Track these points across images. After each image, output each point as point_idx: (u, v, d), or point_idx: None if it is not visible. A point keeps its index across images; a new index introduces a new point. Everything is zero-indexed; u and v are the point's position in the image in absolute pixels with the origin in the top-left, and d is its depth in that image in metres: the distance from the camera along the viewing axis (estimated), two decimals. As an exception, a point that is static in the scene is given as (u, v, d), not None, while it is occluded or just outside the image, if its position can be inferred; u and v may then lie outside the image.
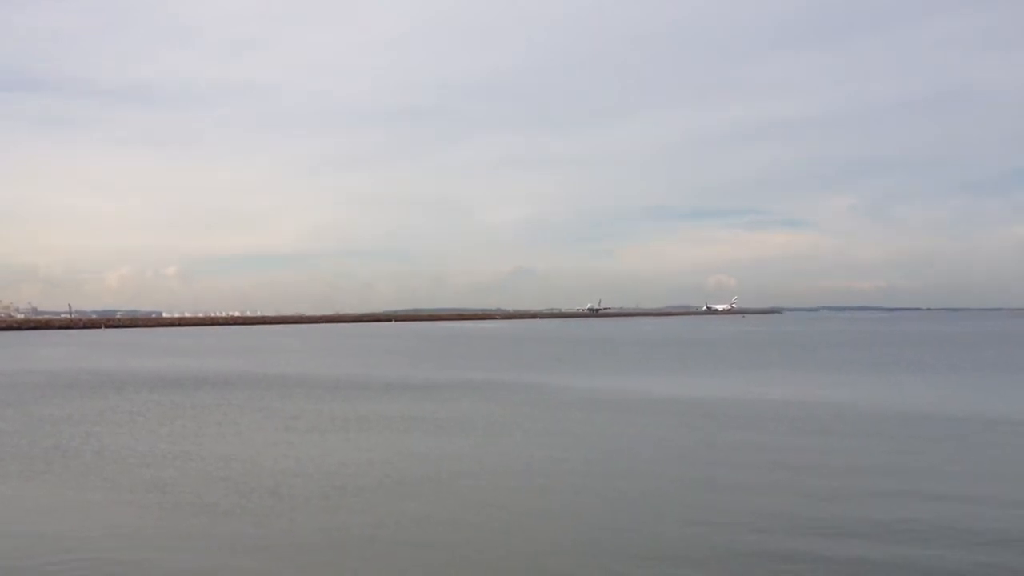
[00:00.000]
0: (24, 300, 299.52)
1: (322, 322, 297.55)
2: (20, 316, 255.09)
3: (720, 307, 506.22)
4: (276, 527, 21.27)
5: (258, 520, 21.93)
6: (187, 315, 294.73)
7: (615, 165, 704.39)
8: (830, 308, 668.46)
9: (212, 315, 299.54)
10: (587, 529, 21.04)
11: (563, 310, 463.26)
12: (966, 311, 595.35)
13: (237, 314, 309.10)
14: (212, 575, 18.15)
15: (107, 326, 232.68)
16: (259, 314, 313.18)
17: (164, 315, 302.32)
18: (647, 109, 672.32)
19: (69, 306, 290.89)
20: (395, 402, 48.35)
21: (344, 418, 41.33)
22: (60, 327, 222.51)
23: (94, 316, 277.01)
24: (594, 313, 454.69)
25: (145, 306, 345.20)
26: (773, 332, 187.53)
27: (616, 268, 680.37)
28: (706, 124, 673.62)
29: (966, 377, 64.71)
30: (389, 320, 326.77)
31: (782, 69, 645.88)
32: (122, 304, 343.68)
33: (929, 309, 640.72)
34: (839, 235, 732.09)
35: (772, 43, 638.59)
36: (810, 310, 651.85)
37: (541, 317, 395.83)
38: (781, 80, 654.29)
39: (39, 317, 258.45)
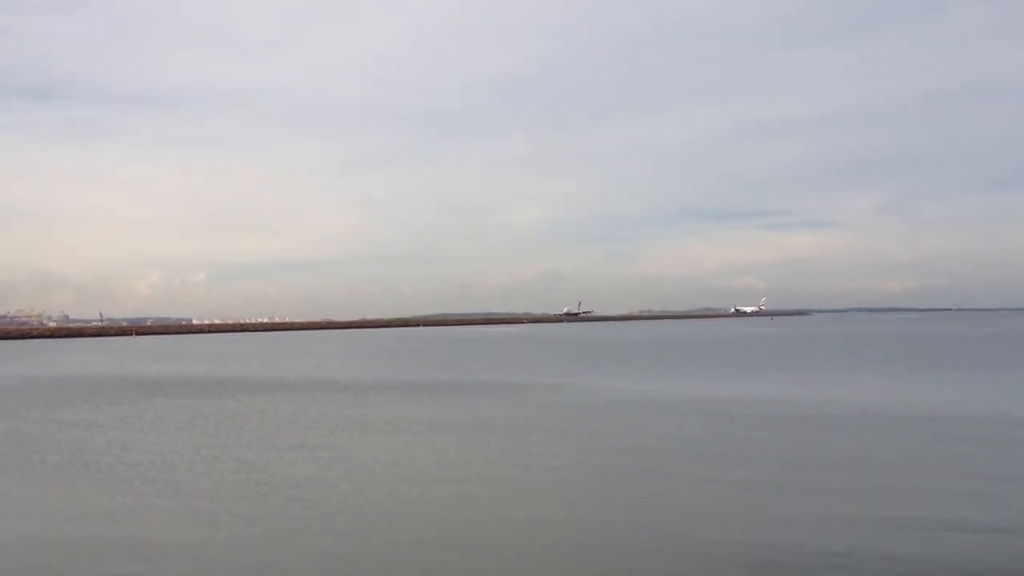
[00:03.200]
0: (56, 308, 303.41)
1: (350, 327, 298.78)
2: (52, 324, 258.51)
3: (748, 309, 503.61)
4: (291, 528, 21.52)
5: (274, 523, 22.19)
6: (216, 321, 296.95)
7: (639, 165, 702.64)
8: (859, 309, 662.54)
9: (241, 321, 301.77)
10: (616, 529, 21.09)
11: (537, 314, 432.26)
12: (999, 311, 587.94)
13: (266, 320, 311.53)
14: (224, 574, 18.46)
15: (138, 333, 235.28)
16: (287, 320, 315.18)
17: (194, 322, 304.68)
18: (671, 108, 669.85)
19: (100, 314, 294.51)
20: (417, 405, 48.56)
21: (364, 421, 41.64)
22: (92, 335, 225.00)
23: (125, 323, 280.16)
24: (573, 317, 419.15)
25: (175, 313, 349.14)
26: (786, 335, 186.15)
27: (643, 271, 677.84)
28: (730, 122, 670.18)
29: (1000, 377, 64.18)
30: (417, 325, 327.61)
31: (805, 65, 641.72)
32: (152, 311, 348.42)
33: (960, 309, 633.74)
34: (865, 234, 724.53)
35: (794, 39, 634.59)
36: (839, 311, 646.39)
37: (566, 320, 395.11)
38: (803, 77, 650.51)
39: (71, 325, 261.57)
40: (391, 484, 26.64)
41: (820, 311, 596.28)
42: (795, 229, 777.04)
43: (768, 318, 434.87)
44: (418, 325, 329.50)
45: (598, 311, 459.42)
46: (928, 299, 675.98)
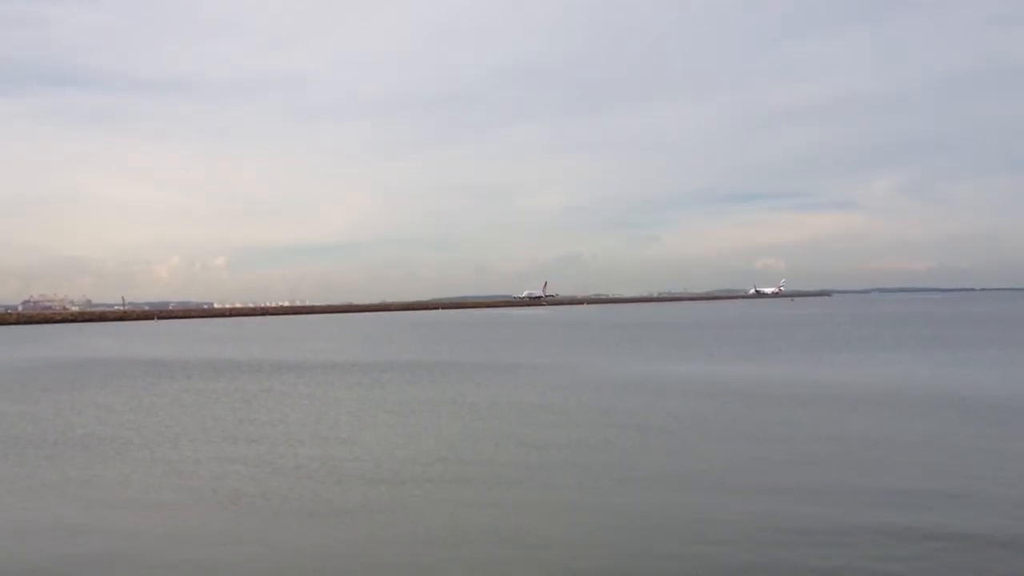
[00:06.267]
0: (78, 293, 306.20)
1: (369, 311, 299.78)
2: (75, 308, 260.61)
3: (768, 290, 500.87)
4: (295, 508, 21.59)
5: (279, 504, 22.27)
6: (238, 305, 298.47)
7: (659, 148, 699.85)
8: (881, 290, 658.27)
9: (262, 305, 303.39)
10: (621, 510, 21.08)
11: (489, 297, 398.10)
12: (1021, 291, 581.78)
13: (286, 303, 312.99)
14: (221, 556, 18.48)
15: (160, 317, 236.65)
16: (307, 303, 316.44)
17: (215, 306, 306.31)
18: (690, 92, 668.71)
19: (122, 298, 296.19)
20: (431, 387, 48.50)
21: (378, 402, 41.77)
22: (114, 319, 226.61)
23: (147, 308, 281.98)
24: (536, 301, 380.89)
25: (196, 297, 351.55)
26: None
27: (663, 252, 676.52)
28: (749, 105, 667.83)
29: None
30: (436, 308, 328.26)
31: (826, 48, 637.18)
32: (174, 295, 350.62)
33: (982, 289, 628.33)
34: (887, 215, 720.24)
35: (815, 22, 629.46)
36: (861, 292, 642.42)
37: (589, 303, 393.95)
38: (824, 59, 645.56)
39: (93, 309, 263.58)
40: (399, 465, 26.63)
41: (841, 292, 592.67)
42: (816, 210, 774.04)
43: (788, 299, 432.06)
44: (437, 308, 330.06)
45: (617, 293, 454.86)
46: (950, 279, 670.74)
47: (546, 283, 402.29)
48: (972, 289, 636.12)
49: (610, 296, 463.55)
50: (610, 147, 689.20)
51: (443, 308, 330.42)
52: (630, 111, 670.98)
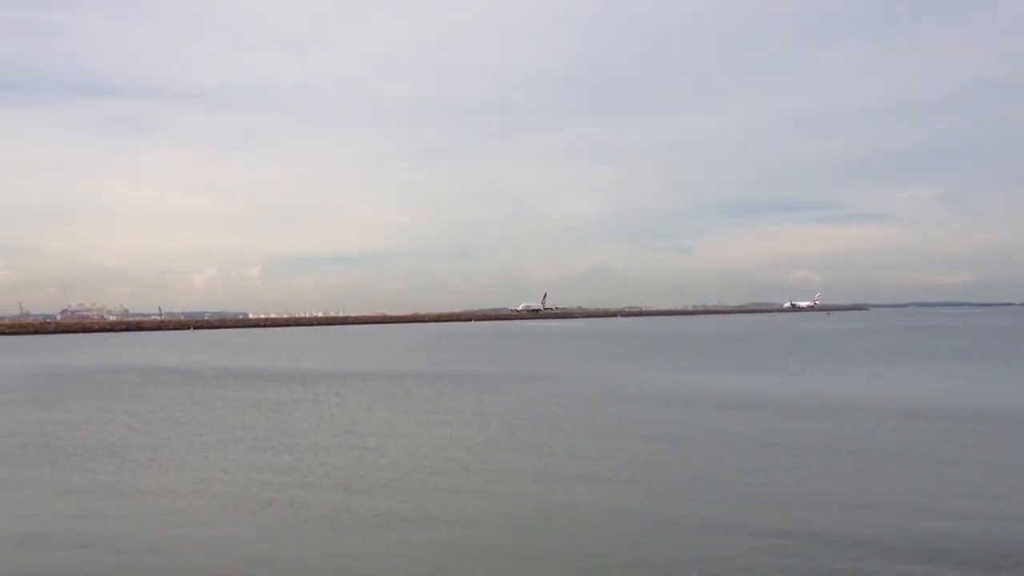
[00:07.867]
0: (116, 302, 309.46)
1: (403, 322, 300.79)
2: (112, 318, 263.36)
3: (804, 304, 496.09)
4: (319, 517, 21.70)
5: (303, 513, 22.42)
6: (272, 315, 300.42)
7: (690, 156, 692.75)
8: (918, 304, 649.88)
9: (296, 315, 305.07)
10: (636, 518, 21.03)
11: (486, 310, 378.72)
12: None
13: (320, 314, 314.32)
14: (248, 564, 18.61)
15: (196, 327, 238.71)
16: (340, 314, 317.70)
17: (250, 316, 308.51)
18: (725, 99, 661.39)
19: (159, 308, 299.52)
20: (460, 398, 48.62)
21: (405, 412, 41.91)
22: (151, 328, 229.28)
23: (183, 317, 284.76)
24: (534, 314, 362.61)
25: (231, 307, 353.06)
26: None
27: (697, 264, 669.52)
28: (784, 114, 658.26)
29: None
30: (469, 320, 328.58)
31: (859, 54, 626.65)
32: (209, 305, 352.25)
33: (1022, 304, 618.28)
34: (923, 227, 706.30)
35: (847, 27, 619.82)
36: (898, 306, 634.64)
37: (623, 315, 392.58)
38: (858, 65, 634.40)
39: (131, 319, 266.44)
40: (425, 476, 26.67)
41: (877, 306, 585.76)
42: (851, 222, 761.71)
43: (824, 313, 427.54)
44: (470, 320, 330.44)
45: (650, 305, 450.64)
46: (988, 293, 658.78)
47: (545, 295, 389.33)
48: (1012, 304, 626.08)
49: (643, 308, 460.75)
50: (642, 155, 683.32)
51: (476, 320, 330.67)
52: (661, 119, 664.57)
